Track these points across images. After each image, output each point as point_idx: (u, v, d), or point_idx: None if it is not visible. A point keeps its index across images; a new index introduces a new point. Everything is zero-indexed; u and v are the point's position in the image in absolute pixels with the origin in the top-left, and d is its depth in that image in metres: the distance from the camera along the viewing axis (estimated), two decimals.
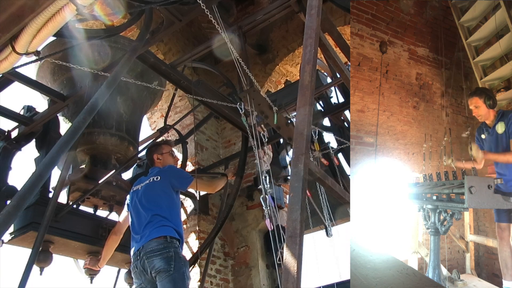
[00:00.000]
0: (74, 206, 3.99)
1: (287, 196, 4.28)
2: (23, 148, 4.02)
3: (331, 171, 4.65)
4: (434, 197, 3.51)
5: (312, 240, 4.35)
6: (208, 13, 2.95)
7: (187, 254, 5.03)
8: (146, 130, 7.35)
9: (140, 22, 3.65)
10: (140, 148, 4.82)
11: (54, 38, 3.36)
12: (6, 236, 3.61)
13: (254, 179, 5.65)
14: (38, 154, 4.03)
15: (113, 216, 4.33)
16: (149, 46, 3.82)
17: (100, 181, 4.02)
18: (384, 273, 2.69)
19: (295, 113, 2.58)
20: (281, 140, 5.61)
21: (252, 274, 5.24)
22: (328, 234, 3.73)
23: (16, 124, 3.98)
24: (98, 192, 4.10)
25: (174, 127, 5.33)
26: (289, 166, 5.46)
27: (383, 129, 4.76)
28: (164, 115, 5.37)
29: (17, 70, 3.46)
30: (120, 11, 2.69)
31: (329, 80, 5.35)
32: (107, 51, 4.25)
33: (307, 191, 3.66)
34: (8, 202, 3.32)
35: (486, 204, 2.91)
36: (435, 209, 3.53)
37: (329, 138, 5.57)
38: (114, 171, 4.15)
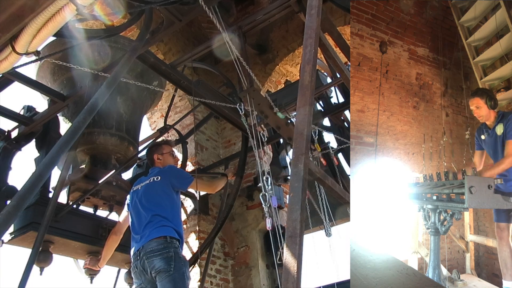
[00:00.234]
0: (74, 206, 3.99)
1: (287, 196, 4.28)
2: (23, 148, 4.02)
3: (331, 171, 4.66)
4: (434, 197, 3.50)
5: (312, 240, 4.35)
6: (208, 13, 2.95)
7: (187, 254, 5.03)
8: (146, 130, 7.36)
9: (140, 22, 3.65)
10: (140, 148, 4.82)
11: (54, 38, 3.36)
12: (6, 236, 3.61)
13: (254, 179, 5.65)
14: (38, 154, 4.03)
15: (113, 216, 4.33)
16: (149, 46, 3.82)
17: (100, 181, 4.02)
18: (384, 273, 2.69)
19: (295, 113, 2.58)
20: (281, 140, 5.61)
21: (252, 274, 5.24)
22: (327, 234, 3.73)
23: (16, 124, 3.98)
24: (98, 192, 4.10)
25: (174, 127, 5.33)
26: (289, 166, 5.46)
27: (383, 129, 4.76)
28: (164, 115, 5.37)
29: (17, 70, 3.46)
30: (120, 11, 2.69)
31: (329, 80, 5.35)
32: (107, 51, 4.25)
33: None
34: (8, 202, 3.32)
35: (486, 204, 2.91)
36: (435, 209, 3.53)
37: (329, 138, 5.59)
38: (114, 171, 4.15)
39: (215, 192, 3.99)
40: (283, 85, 6.04)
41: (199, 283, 4.80)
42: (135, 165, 5.04)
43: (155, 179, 3.02)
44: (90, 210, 4.25)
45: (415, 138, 5.03)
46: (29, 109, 4.09)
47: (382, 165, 4.68)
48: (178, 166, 4.16)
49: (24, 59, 2.60)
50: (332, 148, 4.81)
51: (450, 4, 4.63)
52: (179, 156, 5.18)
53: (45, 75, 4.45)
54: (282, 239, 2.64)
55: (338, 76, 4.52)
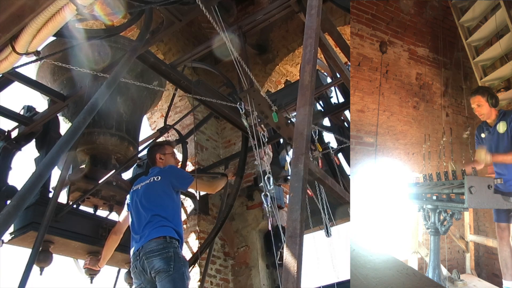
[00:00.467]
0: (74, 206, 3.99)
1: (287, 196, 4.28)
2: (23, 148, 4.02)
3: (331, 171, 4.66)
4: (434, 197, 3.50)
5: (312, 240, 4.35)
6: (208, 14, 2.95)
7: (187, 254, 5.03)
8: (146, 130, 7.36)
9: (140, 22, 3.65)
10: (140, 148, 4.82)
11: (54, 38, 3.36)
12: (6, 236, 3.61)
13: (254, 179, 5.65)
14: (38, 154, 4.03)
15: (113, 216, 4.33)
16: (149, 46, 3.82)
17: (100, 181, 4.02)
18: (384, 273, 2.69)
19: (295, 113, 2.58)
20: (281, 140, 5.61)
21: (252, 274, 5.24)
22: (327, 234, 3.73)
23: (16, 124, 3.98)
24: (98, 192, 4.10)
25: (174, 127, 5.33)
26: (289, 166, 5.46)
27: (383, 129, 4.76)
28: (164, 115, 5.37)
29: (17, 70, 3.45)
30: (120, 11, 2.69)
31: (329, 80, 5.35)
32: (107, 51, 4.25)
33: (309, 191, 3.67)
34: (8, 202, 3.32)
35: (486, 204, 2.91)
36: (435, 209, 3.52)
37: (329, 138, 5.59)
38: (114, 171, 4.15)
39: (215, 192, 3.99)
40: (283, 85, 6.04)
41: (199, 283, 4.80)
42: (135, 165, 5.04)
43: (155, 179, 3.02)
44: (90, 210, 4.26)
45: (415, 138, 5.03)
46: (29, 109, 4.09)
47: (382, 165, 4.68)
48: (178, 167, 4.16)
49: (24, 59, 2.60)
50: (332, 148, 4.81)
51: (450, 4, 4.63)
52: (179, 156, 5.19)
53: (45, 75, 4.45)
54: (282, 239, 2.64)
55: (338, 76, 4.52)
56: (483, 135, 3.42)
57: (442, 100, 5.17)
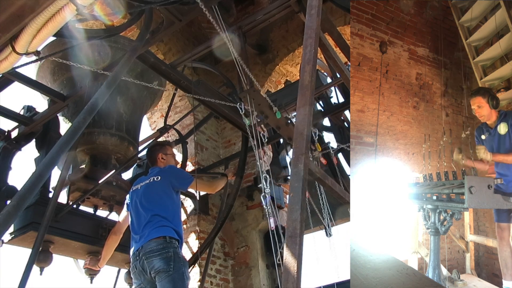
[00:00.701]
0: (74, 206, 3.99)
1: (287, 196, 4.28)
2: (23, 148, 4.02)
3: (331, 171, 4.66)
4: (434, 197, 3.50)
5: (312, 240, 4.35)
6: (208, 14, 2.94)
7: (187, 254, 5.03)
8: (146, 130, 7.35)
9: (140, 22, 3.65)
10: (140, 148, 4.82)
11: (54, 38, 3.36)
12: (6, 236, 3.61)
13: (254, 179, 5.65)
14: (38, 154, 4.03)
15: (113, 216, 4.33)
16: (149, 46, 3.82)
17: (100, 181, 4.02)
18: (384, 273, 2.69)
19: (295, 113, 2.58)
20: (281, 140, 5.61)
21: (252, 274, 5.24)
22: (327, 234, 3.73)
23: (16, 124, 3.98)
24: (98, 192, 4.10)
25: (174, 127, 5.33)
26: (289, 166, 5.46)
27: (383, 129, 4.77)
28: (164, 115, 5.37)
29: (17, 70, 3.46)
30: (120, 11, 2.69)
31: (329, 80, 5.35)
32: (107, 51, 4.25)
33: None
34: (8, 202, 3.32)
35: (486, 204, 2.91)
36: (435, 209, 3.53)
37: (329, 138, 5.59)
38: (114, 171, 4.15)
39: (215, 192, 3.99)
40: (283, 85, 6.04)
41: (199, 283, 4.80)
42: (135, 165, 5.04)
43: (155, 179, 3.02)
44: (90, 210, 4.25)
45: (415, 138, 5.03)
46: (29, 109, 4.09)
47: (382, 165, 4.68)
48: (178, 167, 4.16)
49: (24, 59, 2.60)
50: (332, 148, 4.81)
51: (450, 4, 4.63)
52: (179, 156, 5.19)
53: (45, 75, 4.45)
54: (282, 239, 2.64)
55: (338, 76, 4.52)
56: (483, 137, 3.39)
57: (442, 100, 5.17)
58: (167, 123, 5.22)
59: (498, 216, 3.34)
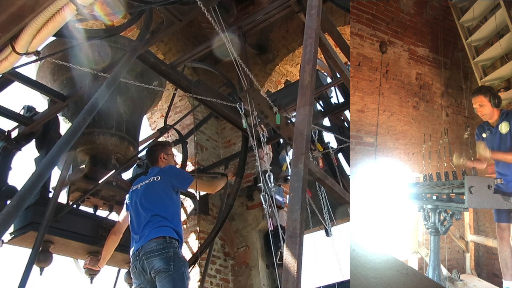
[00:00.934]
0: (74, 206, 3.99)
1: (287, 196, 4.28)
2: (23, 148, 4.02)
3: (331, 171, 4.66)
4: (434, 197, 3.50)
5: (312, 240, 4.35)
6: (208, 14, 2.94)
7: (187, 254, 5.03)
8: (146, 130, 7.36)
9: (140, 22, 3.65)
10: (140, 148, 4.82)
11: (54, 38, 3.36)
12: (6, 236, 3.61)
13: (254, 179, 5.65)
14: (38, 154, 4.03)
15: (113, 216, 4.33)
16: (149, 46, 3.82)
17: (100, 181, 4.02)
18: (384, 273, 2.69)
19: (295, 113, 2.58)
20: (281, 140, 5.61)
21: (252, 274, 5.24)
22: (328, 234, 3.73)
23: (16, 124, 3.98)
24: (98, 192, 4.10)
25: (174, 127, 5.33)
26: (289, 166, 5.45)
27: (383, 129, 4.77)
28: (164, 115, 5.37)
29: (17, 70, 3.46)
30: (120, 11, 2.69)
31: (329, 80, 5.35)
32: (107, 51, 4.25)
33: (308, 191, 3.67)
34: (8, 202, 3.32)
35: (486, 204, 2.91)
36: (435, 209, 3.53)
37: (329, 138, 5.59)
38: (114, 171, 4.15)
39: (215, 192, 3.99)
40: (283, 85, 6.04)
41: (199, 283, 4.80)
42: (135, 165, 5.04)
43: (155, 179, 3.01)
44: (90, 210, 4.26)
45: (415, 138, 5.03)
46: (29, 109, 4.09)
47: (382, 165, 4.68)
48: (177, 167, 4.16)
49: (24, 59, 2.60)
50: (332, 148, 4.81)
51: (450, 4, 4.63)
52: (179, 156, 5.20)
53: (45, 75, 4.45)
54: (282, 239, 2.64)
55: (338, 76, 4.52)
56: (484, 135, 3.38)
57: (442, 100, 5.17)
58: (167, 123, 5.22)
59: (498, 216, 3.34)
